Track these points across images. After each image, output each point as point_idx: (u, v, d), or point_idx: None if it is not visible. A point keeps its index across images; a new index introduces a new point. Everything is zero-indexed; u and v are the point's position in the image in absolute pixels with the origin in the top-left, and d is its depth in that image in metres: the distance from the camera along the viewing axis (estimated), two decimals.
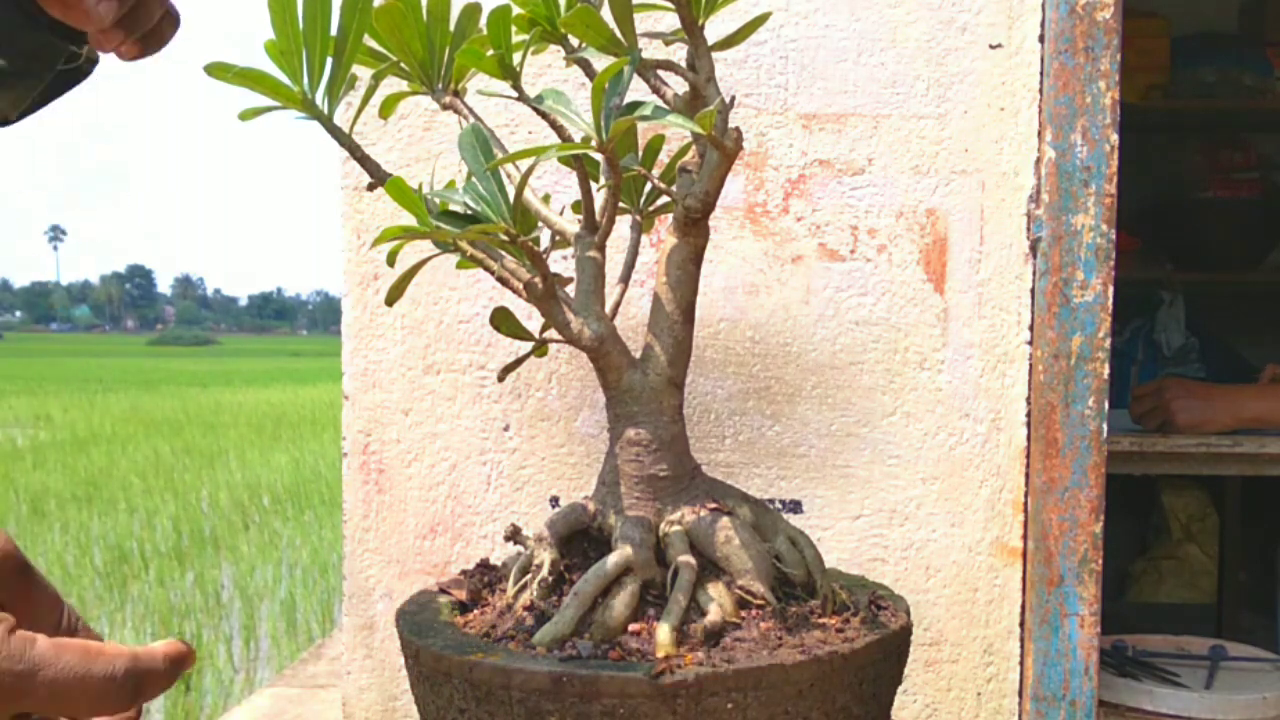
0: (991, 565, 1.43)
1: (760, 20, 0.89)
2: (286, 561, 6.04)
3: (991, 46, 1.40)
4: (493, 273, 0.84)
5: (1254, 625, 2.88)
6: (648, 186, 0.95)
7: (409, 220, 0.81)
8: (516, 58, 0.84)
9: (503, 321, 0.86)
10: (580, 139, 0.82)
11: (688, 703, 0.71)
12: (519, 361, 0.91)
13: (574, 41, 0.85)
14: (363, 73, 0.83)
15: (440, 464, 1.45)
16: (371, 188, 0.83)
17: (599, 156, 0.83)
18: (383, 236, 0.78)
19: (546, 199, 0.90)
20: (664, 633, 0.75)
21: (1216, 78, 3.14)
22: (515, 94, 0.85)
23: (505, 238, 0.80)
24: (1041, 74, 1.38)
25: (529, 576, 0.84)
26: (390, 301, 0.86)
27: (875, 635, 0.78)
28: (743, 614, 0.79)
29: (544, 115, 0.84)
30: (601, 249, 0.85)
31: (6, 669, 0.51)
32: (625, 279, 0.90)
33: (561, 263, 0.87)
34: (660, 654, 0.74)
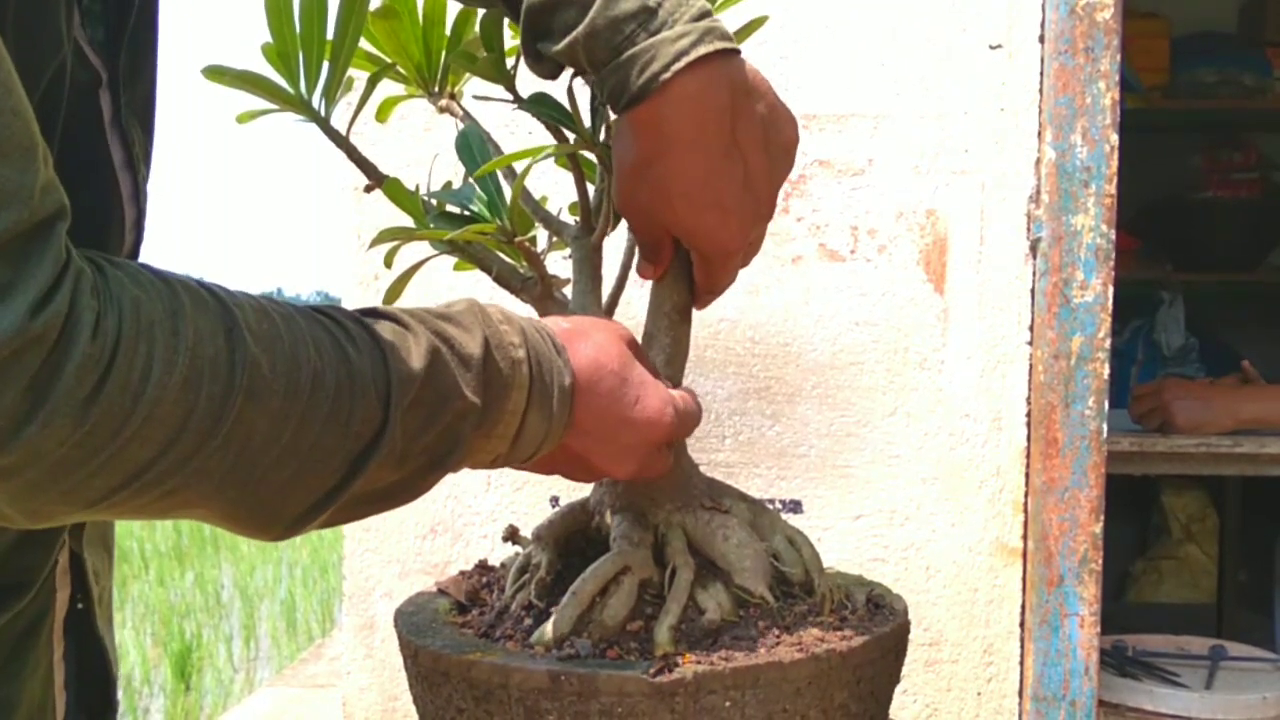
0: (991, 565, 1.43)
1: (758, 23, 0.89)
2: (286, 561, 6.04)
3: (991, 47, 1.40)
4: (490, 273, 0.84)
5: (1254, 625, 2.87)
6: None
7: (407, 221, 0.81)
8: (511, 61, 0.85)
9: None
10: (574, 140, 0.83)
11: (686, 701, 0.71)
12: None
13: None
14: (360, 75, 0.83)
15: None
16: (369, 189, 0.83)
17: (594, 156, 0.83)
18: (380, 237, 0.78)
19: (544, 200, 0.91)
20: (662, 632, 0.75)
21: (1216, 78, 3.13)
22: (510, 97, 0.85)
23: (502, 238, 0.80)
24: (1041, 74, 1.38)
25: (527, 576, 0.84)
26: (388, 302, 0.86)
27: (873, 634, 0.78)
28: (741, 613, 0.79)
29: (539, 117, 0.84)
30: (598, 249, 0.86)
31: (693, 423, 0.78)
32: (622, 279, 0.90)
33: (559, 263, 0.87)
34: (658, 653, 0.74)
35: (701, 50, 0.71)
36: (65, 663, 0.74)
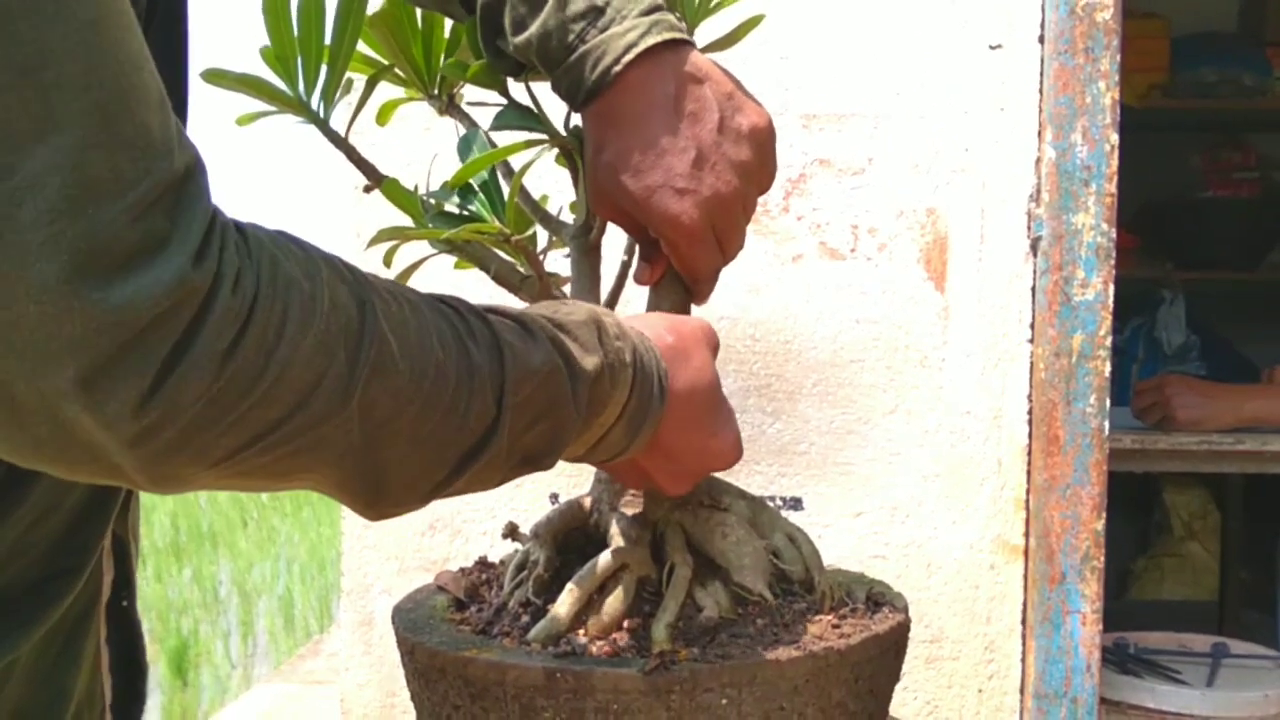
0: (993, 563, 1.43)
1: (754, 22, 0.89)
2: (284, 558, 6.02)
3: (991, 47, 1.40)
4: (488, 271, 0.84)
5: (1256, 623, 2.87)
6: None
7: (406, 221, 0.81)
8: None
9: None
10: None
11: (681, 698, 0.71)
12: None
13: None
14: (359, 77, 0.83)
15: None
16: (369, 189, 0.83)
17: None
18: (378, 237, 0.78)
19: (544, 199, 0.91)
20: (659, 629, 0.76)
21: (1216, 78, 3.13)
22: (505, 102, 0.85)
23: (500, 238, 0.80)
24: (1041, 74, 1.38)
25: (525, 573, 0.84)
26: None
27: (871, 632, 0.78)
28: (739, 611, 0.79)
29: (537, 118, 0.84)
30: (597, 247, 0.86)
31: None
32: (621, 278, 0.91)
33: (559, 262, 0.87)
34: (655, 650, 0.74)
35: (649, 41, 0.74)
36: (109, 647, 0.74)
